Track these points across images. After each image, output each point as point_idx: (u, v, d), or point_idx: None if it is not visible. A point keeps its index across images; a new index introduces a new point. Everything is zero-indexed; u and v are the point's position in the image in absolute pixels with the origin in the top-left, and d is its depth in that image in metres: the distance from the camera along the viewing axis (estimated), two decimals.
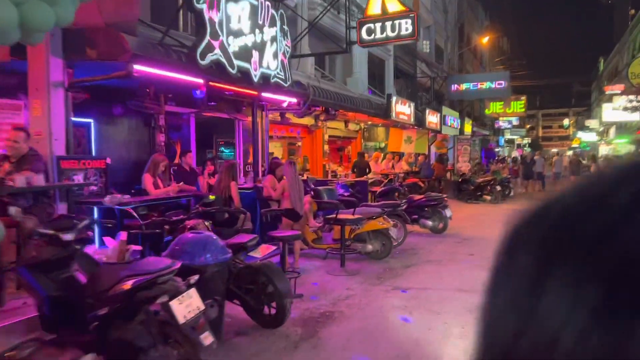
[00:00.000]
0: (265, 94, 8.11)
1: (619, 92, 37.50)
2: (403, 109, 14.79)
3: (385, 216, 8.71)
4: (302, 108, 9.79)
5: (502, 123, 36.98)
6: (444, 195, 11.87)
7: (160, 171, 6.87)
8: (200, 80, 6.73)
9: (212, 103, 10.02)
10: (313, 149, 17.31)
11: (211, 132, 14.39)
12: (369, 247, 8.29)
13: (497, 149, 43.92)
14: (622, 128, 42.86)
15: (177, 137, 10.74)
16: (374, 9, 12.09)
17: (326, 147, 17.32)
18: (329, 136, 17.81)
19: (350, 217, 7.73)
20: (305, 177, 13.64)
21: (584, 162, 34.24)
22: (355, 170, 16.21)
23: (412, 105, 16.11)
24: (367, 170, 15.56)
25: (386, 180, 13.30)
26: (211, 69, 6.59)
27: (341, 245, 7.67)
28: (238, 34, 6.97)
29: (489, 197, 18.66)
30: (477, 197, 18.98)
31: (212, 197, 6.36)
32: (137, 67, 5.71)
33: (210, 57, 6.42)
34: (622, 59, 47.37)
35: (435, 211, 11.58)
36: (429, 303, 6.17)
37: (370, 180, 14.98)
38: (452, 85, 22.06)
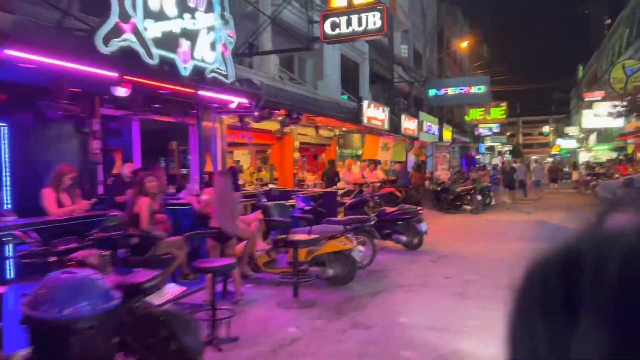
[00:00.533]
0: (203, 93, 6.86)
1: (600, 98, 37.10)
2: (376, 114, 13.68)
3: (348, 234, 7.51)
4: (254, 110, 8.57)
5: (482, 130, 36.16)
6: (419, 208, 10.73)
7: (65, 185, 5.61)
8: (114, 74, 5.47)
9: (157, 105, 8.77)
10: (283, 157, 16.10)
11: (166, 138, 13.13)
12: (330, 272, 7.08)
13: (478, 157, 43.17)
14: (603, 135, 42.43)
15: (117, 145, 9.44)
16: (339, 0, 10.96)
17: (297, 154, 16.11)
18: (301, 143, 16.63)
19: (304, 237, 6.51)
20: (269, 188, 12.44)
21: (565, 169, 33.65)
22: (324, 179, 15.04)
23: (387, 110, 15.01)
24: (336, 179, 14.41)
25: (357, 191, 12.13)
26: (126, 59, 5.35)
27: (293, 271, 6.45)
28: (159, 17, 5.73)
29: (469, 207, 17.62)
30: (457, 207, 17.94)
31: (115, 218, 5.05)
32: (10, 52, 4.46)
33: (117, 43, 5.17)
34: (601, 65, 47.12)
35: (410, 225, 10.43)
36: (392, 347, 4.98)
37: (342, 191, 13.84)
38: (431, 91, 21.09)
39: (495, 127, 38.06)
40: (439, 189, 18.39)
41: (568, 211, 18.27)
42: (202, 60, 6.40)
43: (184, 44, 6.00)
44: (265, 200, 7.93)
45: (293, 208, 8.80)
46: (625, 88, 21.59)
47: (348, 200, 11.77)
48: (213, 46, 6.62)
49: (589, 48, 58.79)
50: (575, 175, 28.03)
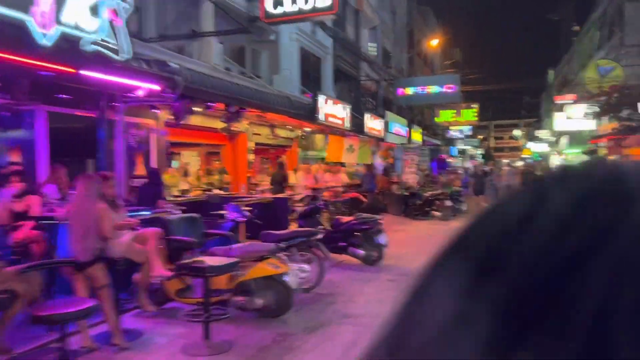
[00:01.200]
0: (87, 72, 5.28)
1: (571, 101, 36.52)
2: (334, 111, 12.25)
3: (282, 254, 6.04)
4: (172, 100, 7.03)
5: (453, 132, 35.12)
6: (379, 217, 9.30)
7: None
8: None
9: (64, 95, 7.17)
10: (236, 159, 14.55)
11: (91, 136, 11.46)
12: (258, 302, 5.59)
13: (449, 160, 42.26)
14: (574, 138, 41.98)
15: (15, 142, 7.79)
16: None
17: (251, 156, 14.58)
18: (258, 144, 15.11)
19: (216, 262, 4.99)
20: (208, 194, 10.89)
21: (538, 173, 32.85)
22: (272, 184, 13.56)
23: (348, 108, 13.60)
24: (284, 184, 12.96)
25: (312, 197, 10.68)
26: None
27: (204, 307, 4.92)
28: None
29: (438, 213, 16.34)
30: (426, 213, 16.64)
31: None
32: None
33: None
34: (572, 69, 46.83)
35: (368, 237, 9.02)
36: None
37: (298, 196, 12.39)
38: (399, 90, 19.83)
39: (467, 130, 37.09)
40: (406, 193, 17.07)
41: None
42: (77, 27, 4.83)
43: (44, 2, 4.42)
44: (179, 212, 6.40)
45: (223, 220, 7.28)
46: (600, 87, 20.68)
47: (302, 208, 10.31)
48: (95, 10, 5.06)
49: (558, 53, 58.82)
50: None
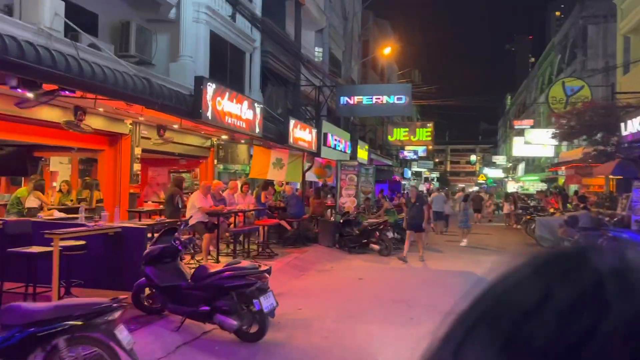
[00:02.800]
0: None
1: (528, 126, 34.60)
2: (233, 109, 8.90)
3: None
4: None
5: (407, 153, 32.43)
6: (262, 270, 5.92)
7: None
8: None
9: None
10: (118, 169, 11.00)
11: None
12: None
13: (403, 182, 39.58)
14: (531, 165, 40.16)
15: None
16: None
17: (137, 166, 11.07)
18: (148, 151, 11.61)
19: None
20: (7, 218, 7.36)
21: (488, 199, 30.29)
22: (165, 205, 10.15)
23: (259, 107, 10.27)
24: (180, 204, 9.61)
25: (168, 230, 7.24)
26: None
27: None
28: None
29: (377, 247, 13.15)
30: (364, 246, 13.43)
31: None
32: None
33: None
34: (530, 94, 45.38)
35: (244, 299, 5.67)
36: None
37: (193, 220, 9.05)
38: (342, 98, 16.77)
39: (421, 151, 34.50)
40: (341, 220, 13.85)
41: (500, 254, 14.26)
42: None
43: None
44: None
45: None
46: (565, 108, 18.16)
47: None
48: None
49: (515, 82, 58.12)
50: (506, 208, 24.44)
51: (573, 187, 26.84)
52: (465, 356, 0.38)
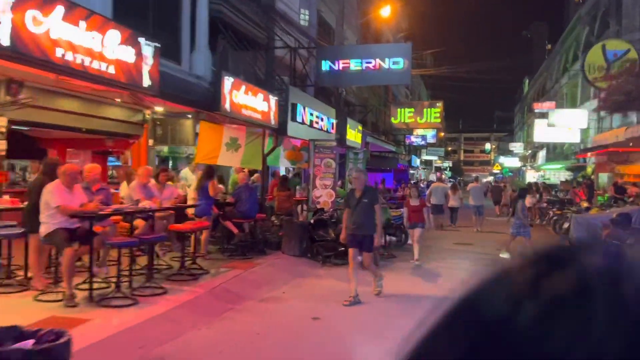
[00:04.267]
0: None
1: (550, 110, 30.49)
2: (115, 52, 5.17)
3: None
4: None
5: (414, 139, 28.45)
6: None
7: None
8: None
9: None
10: None
11: None
12: None
13: (412, 171, 35.66)
14: (552, 152, 35.97)
15: None
16: None
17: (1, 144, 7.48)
18: (19, 123, 8.02)
19: None
20: None
21: (508, 189, 26.20)
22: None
23: (149, 46, 6.52)
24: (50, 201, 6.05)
25: None
26: None
27: None
28: None
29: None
30: (342, 255, 9.74)
31: None
32: None
33: None
34: (551, 75, 40.99)
35: None
36: None
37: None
38: (325, 63, 13.03)
39: (431, 137, 30.47)
40: (312, 220, 10.15)
41: None
42: None
43: None
44: None
45: None
46: (606, 76, 14.15)
47: None
48: None
49: (532, 68, 53.65)
50: (527, 200, 20.43)
51: (603, 177, 22.80)
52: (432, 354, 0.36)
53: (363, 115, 23.74)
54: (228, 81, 7.88)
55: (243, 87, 8.47)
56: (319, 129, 12.43)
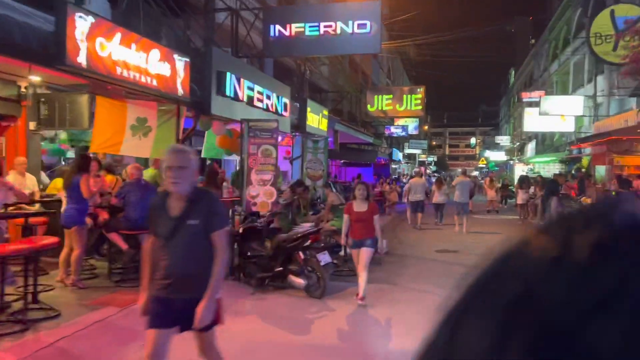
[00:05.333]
0: None
1: (538, 98, 27.96)
2: None
3: None
4: None
5: (394, 130, 25.67)
6: None
7: None
8: None
9: None
10: None
11: None
12: None
13: (393, 166, 32.91)
14: (541, 144, 33.45)
15: None
16: None
17: None
18: None
19: None
20: None
21: (488, 183, 23.45)
22: None
23: None
24: None
25: None
26: None
27: None
28: None
29: (300, 281, 6.63)
30: (279, 276, 6.91)
31: None
32: None
33: None
34: (539, 64, 38.54)
35: None
36: None
37: None
38: (272, 28, 10.22)
39: (413, 128, 27.68)
40: (241, 230, 7.28)
41: None
42: None
43: None
44: None
45: None
46: (615, 46, 11.47)
47: None
48: None
49: (515, 63, 51.26)
50: (520, 196, 17.76)
51: (600, 169, 20.25)
52: (463, 335, 0.31)
53: (336, 104, 20.92)
54: (82, 20, 4.98)
55: (119, 35, 5.55)
56: (263, 109, 9.56)
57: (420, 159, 45.24)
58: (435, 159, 61.83)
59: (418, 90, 20.62)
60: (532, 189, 18.33)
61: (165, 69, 6.55)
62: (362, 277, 6.15)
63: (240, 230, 7.35)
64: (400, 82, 34.57)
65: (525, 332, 0.28)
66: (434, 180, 19.31)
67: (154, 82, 6.36)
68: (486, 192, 22.54)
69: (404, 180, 25.26)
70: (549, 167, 28.88)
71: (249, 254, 7.27)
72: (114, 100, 8.00)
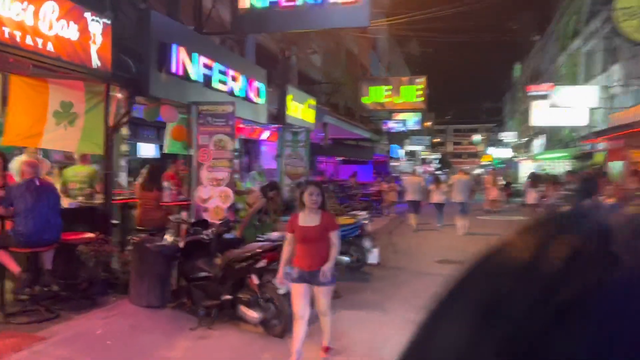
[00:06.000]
0: None
1: (546, 92, 26.20)
2: None
3: None
4: None
5: (393, 124, 23.84)
6: None
7: None
8: None
9: None
10: None
11: None
12: None
13: (394, 164, 31.13)
14: (550, 140, 31.61)
15: None
16: None
17: None
18: None
19: None
20: None
21: (487, 179, 21.67)
22: None
23: None
24: None
25: None
26: None
27: None
28: None
29: (254, 315, 4.91)
30: (227, 306, 5.20)
31: None
32: None
33: None
34: (545, 57, 36.62)
35: None
36: None
37: None
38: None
39: (414, 123, 25.86)
40: (181, 244, 5.56)
41: None
42: None
43: None
44: None
45: None
46: None
47: None
48: None
49: (519, 58, 49.45)
50: (531, 196, 15.99)
51: (616, 166, 18.46)
52: (439, 335, 0.32)
53: (330, 96, 19.17)
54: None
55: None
56: (228, 93, 7.84)
57: (423, 156, 43.41)
58: (440, 157, 59.94)
59: (418, 80, 18.82)
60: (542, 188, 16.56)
61: (70, 31, 4.83)
62: (325, 321, 4.37)
63: (181, 245, 5.64)
64: (401, 76, 32.78)
65: (496, 335, 0.28)
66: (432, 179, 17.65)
67: (50, 47, 4.64)
68: (488, 191, 20.83)
69: (405, 178, 23.51)
70: (555, 164, 27.09)
71: (192, 276, 5.57)
72: (31, 79, 6.30)
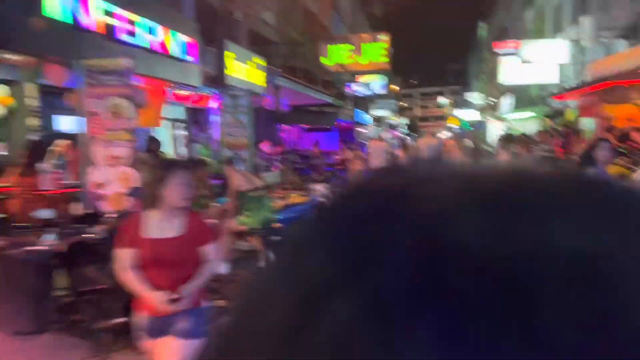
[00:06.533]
0: None
1: (514, 50, 25.13)
2: None
3: None
4: None
5: (356, 88, 22.38)
6: None
7: None
8: None
9: None
10: None
11: None
12: None
13: (362, 130, 29.73)
14: (520, 100, 30.72)
15: None
16: None
17: None
18: None
19: None
20: None
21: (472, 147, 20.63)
22: None
23: None
24: None
25: None
26: None
27: None
28: None
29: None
30: (123, 331, 3.79)
31: None
32: None
33: None
34: (510, 15, 35.43)
35: None
36: None
37: None
38: None
39: (379, 87, 24.41)
40: (66, 248, 4.09)
41: None
42: None
43: None
44: None
45: None
46: None
47: None
48: None
49: (482, 17, 48.29)
50: (503, 158, 14.97)
51: (588, 123, 17.58)
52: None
53: (286, 60, 17.51)
54: None
55: None
56: (144, 48, 6.22)
57: (391, 121, 42.16)
58: (409, 122, 58.92)
59: (381, 37, 17.30)
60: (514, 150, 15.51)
61: None
62: None
63: (67, 249, 4.17)
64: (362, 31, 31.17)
65: (289, 297, 0.25)
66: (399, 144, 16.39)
67: None
68: (453, 155, 19.81)
69: (369, 143, 22.15)
70: (525, 124, 26.22)
71: (80, 289, 4.14)
72: None
